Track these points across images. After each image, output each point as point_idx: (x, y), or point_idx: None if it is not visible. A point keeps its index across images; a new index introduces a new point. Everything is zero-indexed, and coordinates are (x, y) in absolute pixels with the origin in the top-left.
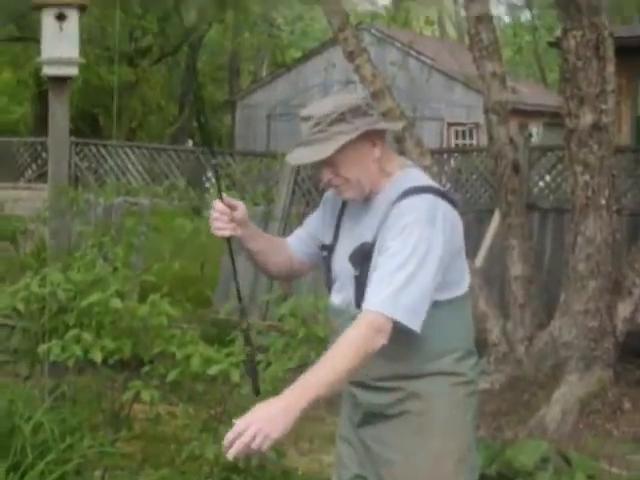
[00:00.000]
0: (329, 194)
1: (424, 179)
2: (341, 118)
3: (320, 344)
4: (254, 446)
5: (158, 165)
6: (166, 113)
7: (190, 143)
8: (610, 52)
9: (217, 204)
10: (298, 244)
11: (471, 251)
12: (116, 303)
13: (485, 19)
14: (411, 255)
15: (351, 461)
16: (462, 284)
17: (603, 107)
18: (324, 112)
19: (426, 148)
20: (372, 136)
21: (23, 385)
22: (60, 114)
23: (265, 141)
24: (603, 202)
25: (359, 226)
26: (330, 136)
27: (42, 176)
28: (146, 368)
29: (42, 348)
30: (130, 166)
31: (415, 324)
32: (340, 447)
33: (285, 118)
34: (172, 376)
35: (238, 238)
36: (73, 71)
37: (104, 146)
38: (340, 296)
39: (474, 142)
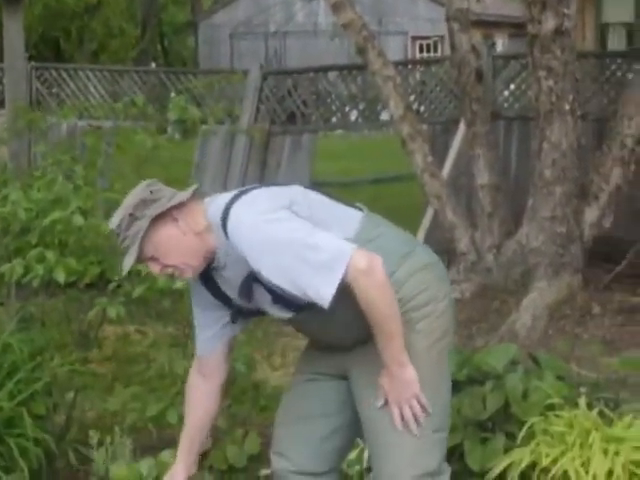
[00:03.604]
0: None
1: (221, 200)
2: (132, 219)
3: None
4: (416, 412)
5: (121, 87)
6: (128, 36)
7: (153, 66)
8: None
9: None
10: (215, 341)
11: (438, 162)
12: (78, 220)
13: None
14: (290, 242)
15: (327, 362)
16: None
17: (565, 11)
18: (117, 222)
19: (388, 59)
20: (170, 213)
21: None
22: (14, 34)
23: (229, 61)
24: (567, 107)
25: (233, 278)
26: (132, 240)
27: (3, 102)
28: (112, 285)
29: (4, 268)
30: (92, 89)
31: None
32: (312, 350)
33: (248, 37)
34: (138, 292)
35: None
36: None
37: (65, 70)
38: (281, 314)
39: (439, 55)
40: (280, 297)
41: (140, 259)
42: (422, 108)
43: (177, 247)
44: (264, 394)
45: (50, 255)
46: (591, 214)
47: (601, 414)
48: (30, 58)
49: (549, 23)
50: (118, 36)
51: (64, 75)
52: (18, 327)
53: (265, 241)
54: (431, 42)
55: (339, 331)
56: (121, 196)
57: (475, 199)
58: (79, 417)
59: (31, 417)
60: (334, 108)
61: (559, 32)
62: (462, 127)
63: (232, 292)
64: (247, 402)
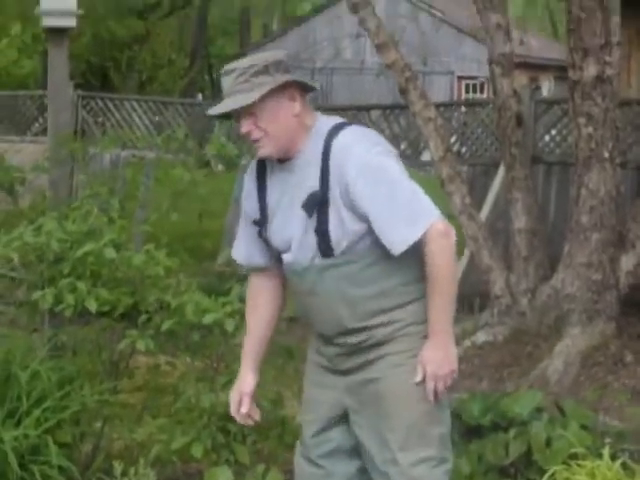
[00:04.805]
0: (244, 191)
1: (331, 119)
2: (264, 70)
3: None
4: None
5: (165, 118)
6: (176, 67)
7: (200, 97)
8: (615, 3)
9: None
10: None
11: (477, 203)
12: (110, 253)
13: None
14: (396, 180)
15: (329, 403)
16: None
17: (607, 59)
18: (248, 64)
19: (430, 100)
20: (293, 91)
21: (22, 335)
22: (59, 64)
23: None
24: (607, 155)
25: (293, 184)
26: (253, 86)
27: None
28: (143, 318)
29: (36, 295)
30: (137, 119)
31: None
32: (313, 391)
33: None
34: (167, 325)
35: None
36: (71, 22)
37: (111, 99)
38: (301, 254)
39: (485, 96)
40: (323, 228)
41: (244, 109)
42: (464, 149)
43: (281, 120)
44: (290, 430)
45: (81, 285)
46: (627, 262)
47: (624, 466)
48: (77, 86)
49: (590, 70)
50: (166, 67)
51: (110, 105)
52: (49, 355)
53: (373, 169)
54: (477, 82)
55: (342, 312)
56: (155, 228)
57: (512, 243)
58: (106, 447)
59: (57, 445)
60: None
61: (600, 79)
62: (502, 170)
63: (274, 198)
64: (273, 438)
